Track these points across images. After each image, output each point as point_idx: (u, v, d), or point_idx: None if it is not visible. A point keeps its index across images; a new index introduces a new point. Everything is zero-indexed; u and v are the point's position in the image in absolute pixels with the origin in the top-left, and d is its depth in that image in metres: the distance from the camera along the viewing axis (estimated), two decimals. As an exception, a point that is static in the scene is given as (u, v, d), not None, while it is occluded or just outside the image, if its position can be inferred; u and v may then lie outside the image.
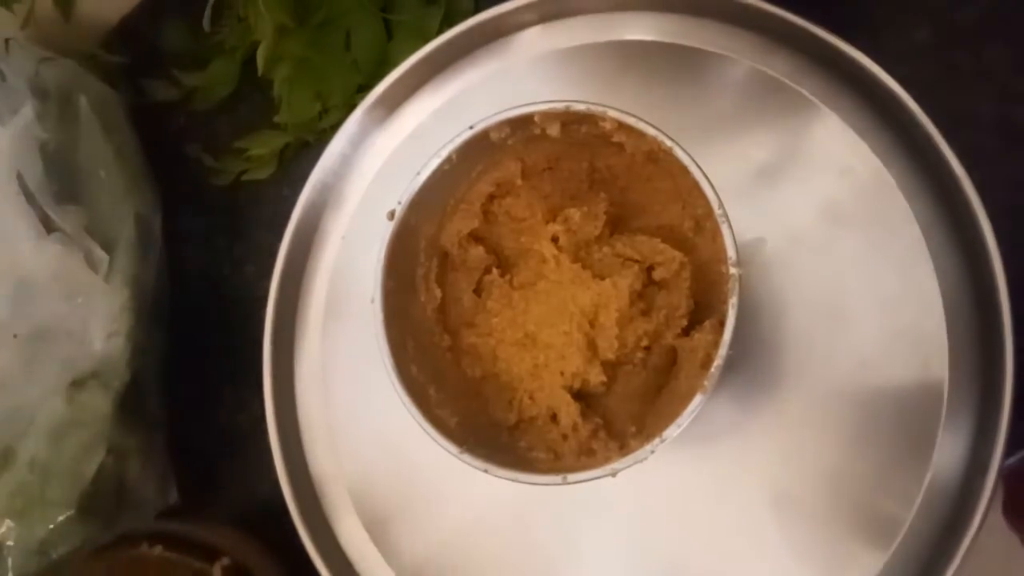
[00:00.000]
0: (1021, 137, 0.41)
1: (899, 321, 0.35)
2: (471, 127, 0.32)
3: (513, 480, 0.30)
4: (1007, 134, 0.41)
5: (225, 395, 0.48)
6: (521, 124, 0.32)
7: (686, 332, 0.33)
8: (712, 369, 0.28)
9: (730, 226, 0.29)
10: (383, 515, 0.37)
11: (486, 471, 0.30)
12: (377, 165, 0.41)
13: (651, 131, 0.30)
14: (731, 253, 0.29)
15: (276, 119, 0.48)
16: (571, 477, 0.29)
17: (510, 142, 0.33)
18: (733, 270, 0.28)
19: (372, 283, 0.32)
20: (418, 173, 0.33)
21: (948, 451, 0.33)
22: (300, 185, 0.40)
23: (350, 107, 0.41)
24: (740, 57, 0.38)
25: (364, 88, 0.45)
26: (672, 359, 0.34)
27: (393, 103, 0.41)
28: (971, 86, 0.42)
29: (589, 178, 0.35)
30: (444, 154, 0.32)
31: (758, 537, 0.33)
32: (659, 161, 0.33)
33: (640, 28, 0.40)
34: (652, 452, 0.28)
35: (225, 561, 0.41)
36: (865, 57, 0.36)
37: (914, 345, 0.34)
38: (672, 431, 0.28)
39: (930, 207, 0.35)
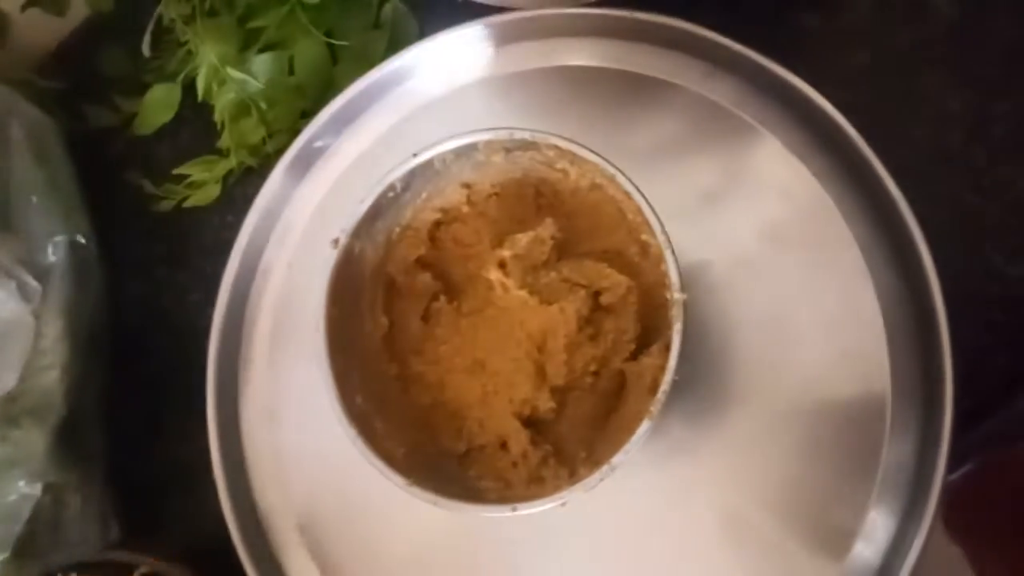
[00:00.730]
0: (953, 158, 0.42)
1: (842, 340, 0.35)
2: (415, 155, 0.31)
3: (462, 511, 0.29)
4: (941, 155, 0.43)
5: (168, 427, 0.46)
6: (465, 152, 0.32)
7: (634, 356, 0.33)
8: (658, 394, 0.28)
9: (673, 252, 0.29)
10: (332, 548, 0.36)
11: (435, 503, 0.29)
12: (322, 191, 0.41)
13: (593, 158, 0.30)
14: (674, 279, 0.29)
15: (219, 144, 0.47)
16: (521, 507, 0.29)
17: (455, 169, 0.33)
18: (677, 295, 0.28)
19: (315, 310, 0.32)
20: (362, 201, 0.32)
21: (894, 465, 0.33)
22: (244, 211, 0.39)
23: (294, 132, 0.41)
24: (682, 83, 0.38)
25: (308, 113, 0.45)
26: (621, 383, 0.34)
27: (338, 128, 0.41)
28: (907, 110, 0.44)
29: (535, 203, 0.35)
30: (387, 182, 0.32)
31: (710, 561, 0.33)
32: (603, 187, 0.33)
33: (584, 54, 0.40)
34: (600, 480, 0.28)
35: (144, 569, 0.39)
36: (803, 83, 0.37)
37: (857, 363, 0.35)
38: (620, 458, 0.28)
39: (869, 228, 0.36)
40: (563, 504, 0.28)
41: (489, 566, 0.35)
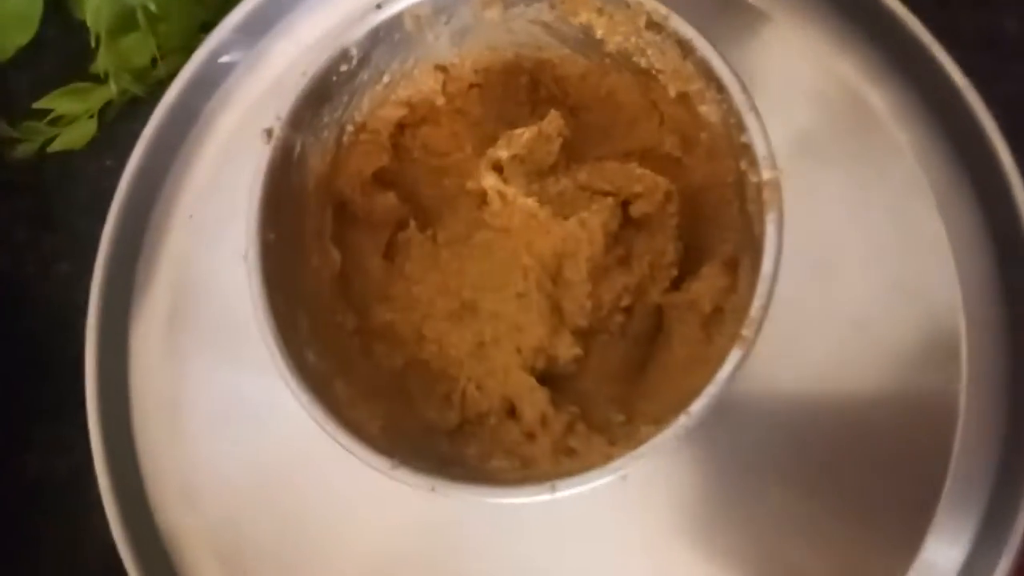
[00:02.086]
0: (1012, 52, 0.39)
1: (901, 272, 0.31)
2: (378, 6, 0.25)
3: (476, 498, 0.22)
4: (995, 49, 0.39)
5: (37, 435, 0.40)
6: (450, 5, 0.27)
7: (675, 285, 0.28)
8: (752, 312, 0.22)
9: (758, 114, 0.23)
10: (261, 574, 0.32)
11: (433, 490, 0.22)
12: (231, 121, 0.36)
13: None
14: (761, 149, 0.23)
15: (93, 69, 0.40)
16: (561, 485, 0.21)
17: (429, 37, 0.28)
18: (768, 173, 0.23)
19: (244, 233, 0.26)
20: (304, 73, 0.26)
21: (964, 471, 0.29)
22: (128, 153, 0.35)
23: (191, 50, 0.36)
24: None
25: (210, 27, 0.37)
26: (657, 323, 0.29)
27: (250, 39, 0.36)
28: None
29: (530, 97, 0.30)
30: (342, 46, 0.26)
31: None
32: (629, 60, 0.27)
33: None
34: (675, 440, 0.21)
35: None
36: None
37: (918, 300, 0.31)
38: (701, 404, 0.21)
39: (926, 133, 0.32)
40: (623, 478, 0.21)
41: None
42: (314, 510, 0.31)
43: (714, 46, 0.24)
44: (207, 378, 0.33)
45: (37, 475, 0.40)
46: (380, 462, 0.23)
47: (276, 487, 0.32)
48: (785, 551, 0.29)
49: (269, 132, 0.26)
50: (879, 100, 0.32)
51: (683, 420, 0.21)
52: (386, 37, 0.27)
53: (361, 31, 0.26)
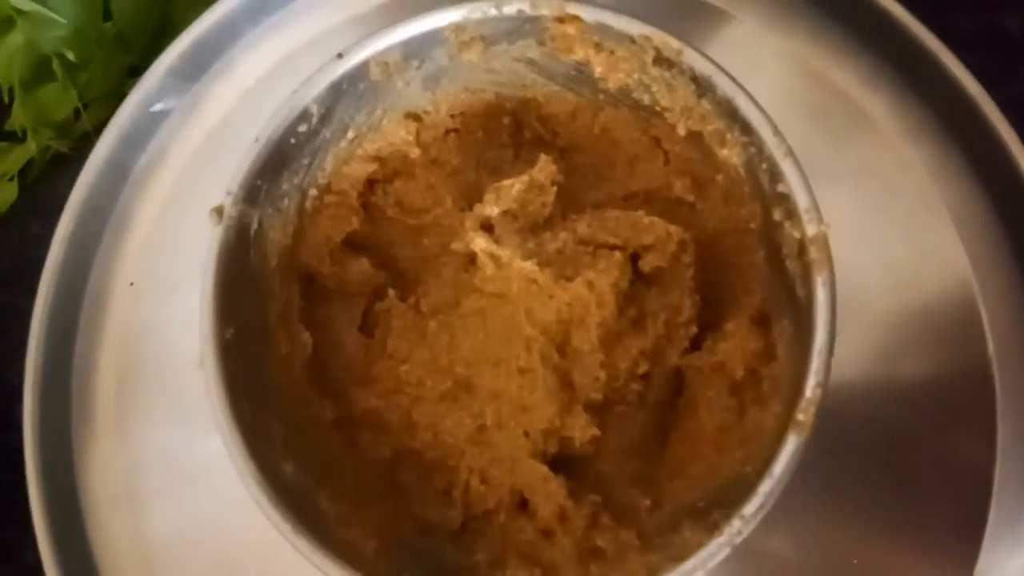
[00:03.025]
0: (1016, 53, 0.38)
1: (920, 296, 0.30)
2: (340, 56, 0.23)
3: None
4: (998, 50, 0.37)
5: None
6: (421, 48, 0.24)
7: (695, 345, 0.26)
8: (808, 392, 0.19)
9: (795, 160, 0.20)
10: None
11: None
12: (169, 177, 0.34)
13: (644, 29, 0.21)
14: (803, 201, 0.20)
15: (8, 125, 0.39)
16: None
17: (399, 84, 0.25)
18: (814, 228, 0.20)
19: (198, 334, 0.23)
20: (256, 140, 0.24)
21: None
22: (55, 218, 0.33)
23: (119, 98, 0.34)
24: None
25: (138, 71, 0.36)
26: (676, 389, 0.26)
27: (183, 84, 0.34)
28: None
29: (514, 140, 0.28)
30: (300, 105, 0.23)
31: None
32: (628, 95, 0.24)
33: None
34: (732, 545, 0.18)
35: None
36: None
37: (944, 324, 0.30)
38: (756, 504, 0.18)
39: (935, 145, 0.31)
40: None
41: None
42: None
43: (739, 84, 0.21)
44: (166, 457, 0.31)
45: None
46: None
47: None
48: None
49: (219, 211, 0.22)
50: (880, 110, 0.31)
51: (736, 525, 0.18)
52: (350, 89, 0.24)
53: (321, 85, 0.23)
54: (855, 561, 0.28)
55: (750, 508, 0.18)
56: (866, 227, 0.31)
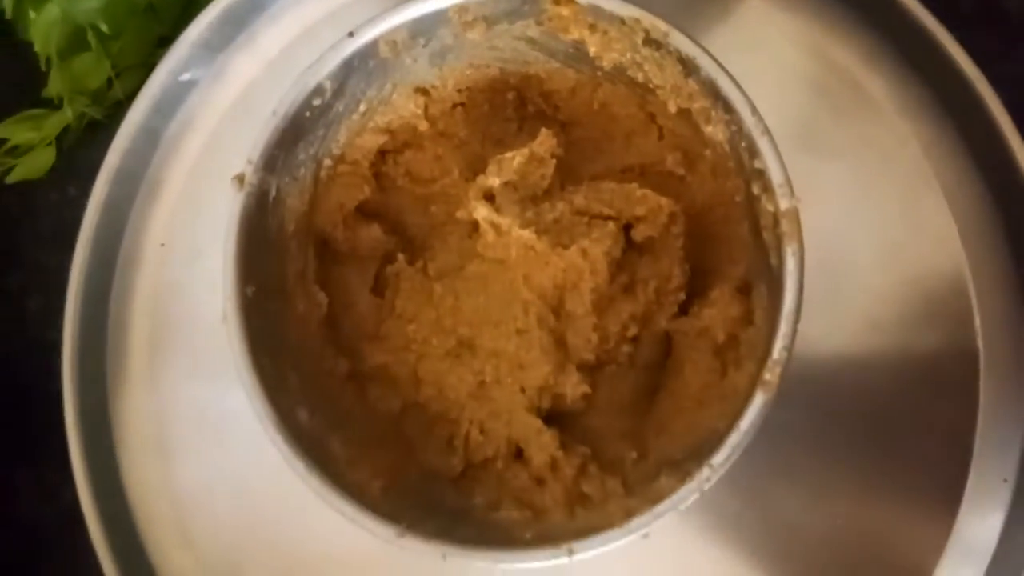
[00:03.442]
0: (1015, 33, 0.38)
1: (911, 267, 0.31)
2: (351, 34, 0.24)
3: (489, 564, 0.20)
4: (996, 28, 0.37)
5: (20, 481, 0.38)
6: (427, 27, 0.25)
7: (683, 310, 0.27)
8: (775, 354, 0.20)
9: (772, 138, 0.21)
10: None
11: (444, 558, 0.21)
12: (197, 142, 0.35)
13: (634, 12, 0.22)
14: (777, 177, 0.21)
15: (45, 93, 0.39)
16: (579, 547, 0.20)
17: (407, 61, 0.26)
18: (786, 202, 0.21)
19: (222, 292, 0.25)
20: (274, 113, 0.25)
21: (993, 443, 0.29)
22: (90, 180, 0.34)
23: (149, 67, 0.35)
24: None
25: (167, 41, 0.37)
26: (665, 351, 0.27)
27: (210, 55, 0.35)
28: None
29: (517, 114, 0.29)
30: (313, 82, 0.25)
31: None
32: (624, 73, 0.25)
33: None
34: (699, 492, 0.19)
35: None
36: None
37: (934, 294, 0.30)
38: (724, 455, 0.20)
39: (931, 122, 0.32)
40: (645, 536, 0.19)
41: None
42: (313, 549, 0.30)
43: (721, 65, 0.22)
44: (197, 412, 0.32)
45: (25, 523, 0.39)
46: (386, 531, 0.22)
47: (273, 525, 0.31)
48: (823, 544, 0.28)
49: (240, 179, 0.24)
50: (880, 88, 0.32)
51: (706, 473, 0.20)
52: (360, 65, 0.25)
53: (333, 62, 0.24)
54: (840, 522, 0.29)
55: (718, 458, 0.20)
56: (862, 199, 0.31)
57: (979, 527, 0.29)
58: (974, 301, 0.30)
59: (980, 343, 0.30)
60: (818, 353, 0.30)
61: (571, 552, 0.20)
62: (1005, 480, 0.30)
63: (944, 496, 0.29)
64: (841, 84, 0.32)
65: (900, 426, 0.30)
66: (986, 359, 0.30)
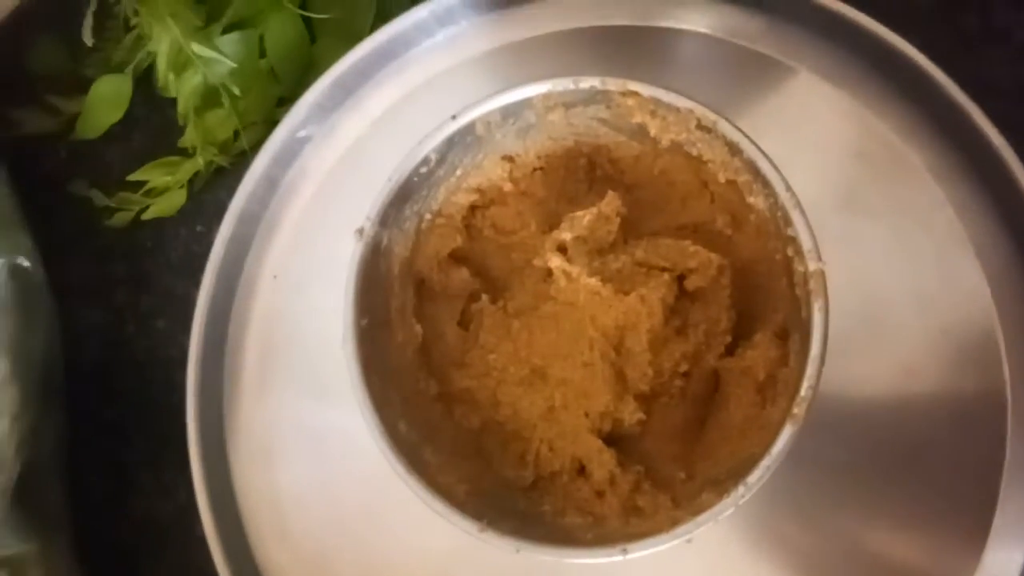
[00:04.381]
0: None
1: (945, 319, 0.32)
2: (453, 117, 0.27)
3: (556, 560, 0.23)
4: None
5: (142, 480, 0.41)
6: (515, 111, 0.28)
7: (729, 351, 0.29)
8: (803, 392, 0.23)
9: (803, 211, 0.24)
10: None
11: (518, 552, 0.24)
12: (310, 189, 0.37)
13: (686, 103, 0.25)
14: (807, 243, 0.24)
15: (181, 143, 0.42)
16: (632, 548, 0.23)
17: (498, 136, 0.29)
18: (814, 264, 0.23)
19: (342, 323, 0.28)
20: (389, 179, 0.28)
21: (1020, 480, 0.29)
22: (217, 219, 0.36)
23: (270, 124, 0.38)
24: (714, 32, 0.34)
25: (285, 101, 0.41)
26: (713, 386, 0.30)
27: (323, 115, 0.37)
28: (985, 50, 0.39)
29: (588, 177, 0.31)
30: (422, 153, 0.28)
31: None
32: (683, 147, 0.28)
33: (601, 12, 0.35)
34: (735, 506, 0.22)
35: None
36: (878, 25, 0.32)
37: (963, 344, 0.31)
38: (757, 475, 0.23)
39: (964, 187, 0.33)
40: (689, 541, 0.22)
41: None
42: (397, 549, 0.32)
43: (760, 148, 0.25)
44: (298, 424, 0.34)
45: (144, 519, 0.41)
46: (470, 526, 0.25)
47: (362, 526, 0.33)
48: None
49: (360, 231, 0.27)
50: (918, 157, 0.33)
51: (741, 490, 0.23)
52: (460, 141, 0.28)
53: (439, 139, 0.27)
54: (872, 547, 0.30)
55: (752, 478, 0.23)
56: (899, 255, 0.32)
57: (1005, 560, 0.30)
58: (1003, 349, 0.31)
59: (1008, 388, 0.30)
60: (858, 393, 0.31)
61: (625, 552, 0.23)
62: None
63: (972, 529, 0.29)
64: (881, 151, 0.33)
65: (932, 463, 0.30)
66: (1013, 403, 0.30)
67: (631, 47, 0.35)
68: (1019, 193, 0.31)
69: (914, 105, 0.33)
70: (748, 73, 0.34)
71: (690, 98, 0.26)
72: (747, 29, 0.33)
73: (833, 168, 0.33)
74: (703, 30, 0.34)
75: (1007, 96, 0.37)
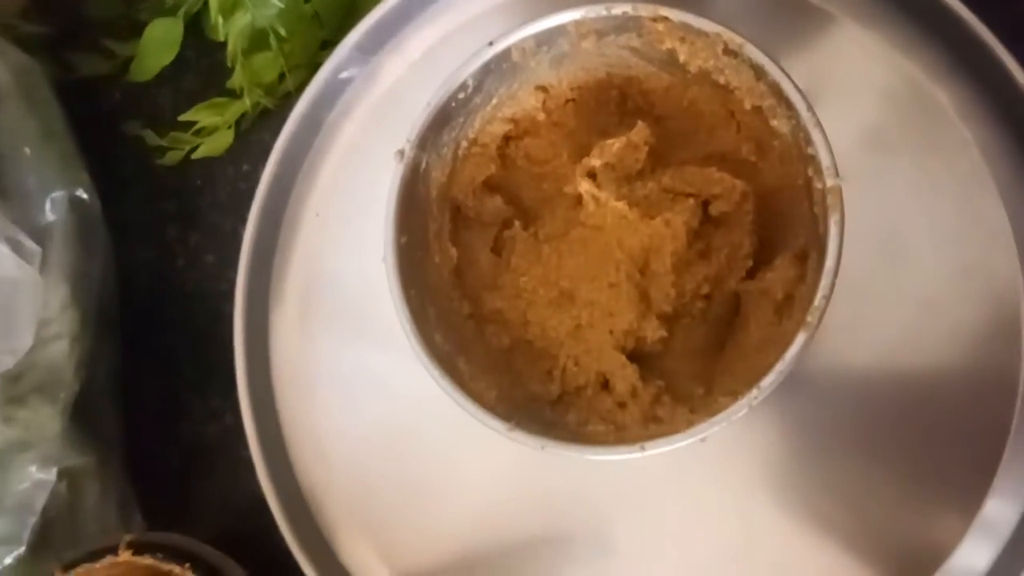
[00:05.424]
0: None
1: (965, 254, 0.32)
2: (491, 43, 0.28)
3: (579, 456, 0.25)
4: None
5: (190, 405, 0.42)
6: (549, 38, 0.29)
7: (750, 274, 0.30)
8: (816, 302, 0.24)
9: (822, 130, 0.25)
10: (386, 522, 0.34)
11: (543, 448, 0.25)
12: (351, 129, 0.38)
13: (714, 27, 0.26)
14: (826, 161, 0.25)
15: (229, 85, 0.43)
16: (650, 445, 0.24)
17: (532, 64, 0.30)
18: (832, 181, 0.24)
19: (383, 240, 0.29)
20: (428, 103, 0.29)
21: None
22: (262, 159, 0.37)
23: (314, 67, 0.38)
24: None
25: (328, 44, 0.41)
26: (734, 308, 0.31)
27: (364, 57, 0.38)
28: None
29: (619, 109, 0.32)
30: (460, 79, 0.29)
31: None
32: (712, 75, 0.29)
33: None
34: (747, 408, 0.24)
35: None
36: None
37: (983, 279, 0.32)
38: (771, 379, 0.24)
39: (990, 128, 0.33)
40: (703, 440, 0.24)
41: (577, 534, 0.31)
42: (432, 464, 0.33)
43: (784, 70, 0.26)
44: (336, 354, 0.35)
45: (192, 440, 0.42)
46: (499, 425, 0.26)
47: (397, 446, 0.34)
48: (853, 508, 0.30)
49: (401, 153, 0.28)
50: (945, 96, 0.33)
51: (755, 392, 0.24)
52: (496, 68, 0.29)
53: (476, 65, 0.28)
54: (875, 488, 0.30)
55: (766, 382, 0.24)
56: (923, 192, 0.32)
57: (1002, 513, 0.30)
58: (1022, 289, 0.31)
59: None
60: (877, 325, 0.32)
61: (643, 448, 0.25)
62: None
63: (971, 485, 0.30)
64: (908, 90, 0.33)
65: (946, 397, 0.31)
66: None
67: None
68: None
69: (942, 45, 0.33)
70: (781, 14, 0.34)
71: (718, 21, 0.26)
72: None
73: (860, 106, 0.34)
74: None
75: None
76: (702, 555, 0.31)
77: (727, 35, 0.26)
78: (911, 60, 0.33)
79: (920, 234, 0.32)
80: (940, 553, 0.29)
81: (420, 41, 0.37)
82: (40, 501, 0.35)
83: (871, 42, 0.33)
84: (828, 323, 0.31)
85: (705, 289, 0.30)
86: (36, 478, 0.35)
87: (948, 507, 0.30)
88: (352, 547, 0.34)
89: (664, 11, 0.27)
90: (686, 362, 0.30)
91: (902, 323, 0.32)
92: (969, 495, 0.30)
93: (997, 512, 0.30)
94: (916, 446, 0.31)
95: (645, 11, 0.27)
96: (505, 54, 0.29)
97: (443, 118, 0.29)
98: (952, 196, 0.32)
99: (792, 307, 0.27)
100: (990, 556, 0.30)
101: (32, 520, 0.34)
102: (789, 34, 0.34)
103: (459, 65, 0.29)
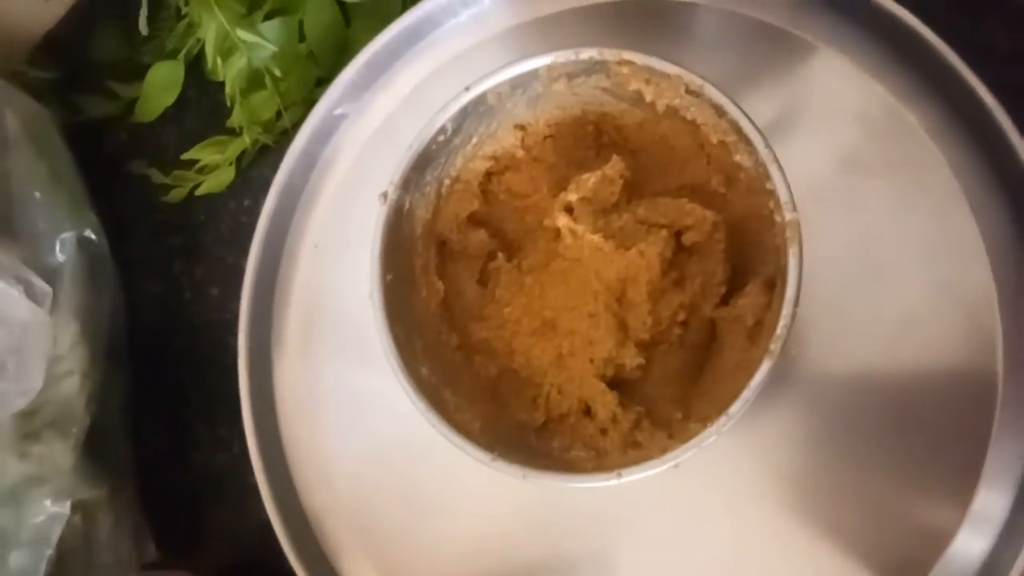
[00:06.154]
0: None
1: (940, 270, 0.33)
2: (467, 88, 0.28)
3: (556, 485, 0.26)
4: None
5: (199, 434, 0.43)
6: (523, 82, 0.29)
7: (724, 301, 0.31)
8: (778, 330, 0.25)
9: (780, 167, 0.26)
10: (389, 544, 0.34)
11: (524, 478, 0.26)
12: (346, 163, 0.39)
13: (675, 70, 0.27)
14: (784, 196, 0.26)
15: (229, 123, 0.44)
16: (626, 473, 0.25)
17: (508, 106, 0.31)
18: (790, 215, 0.25)
19: (368, 278, 0.29)
20: (410, 147, 0.30)
21: (1010, 425, 0.30)
22: (262, 194, 0.38)
23: (310, 103, 0.39)
24: (727, 5, 0.35)
25: (323, 81, 0.42)
26: (710, 334, 0.31)
27: (357, 94, 0.39)
28: (981, 14, 0.39)
29: (596, 142, 0.33)
30: (439, 123, 0.30)
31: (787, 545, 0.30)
32: (679, 111, 0.29)
33: None
34: (717, 434, 0.25)
35: None
36: None
37: (958, 294, 0.32)
38: (738, 407, 0.25)
39: (960, 147, 0.33)
40: (676, 466, 0.25)
41: (572, 552, 0.32)
42: (433, 487, 0.34)
43: (742, 110, 0.27)
44: (337, 380, 0.36)
45: (202, 468, 0.43)
46: (482, 455, 0.27)
47: (399, 469, 0.34)
48: (848, 516, 0.30)
49: (384, 195, 0.29)
50: (916, 118, 0.34)
51: (723, 420, 0.25)
52: (473, 111, 0.30)
53: (453, 109, 0.29)
54: (866, 492, 0.31)
55: (734, 409, 0.25)
56: (898, 211, 0.33)
57: (993, 502, 0.31)
58: (997, 302, 0.31)
59: (1000, 338, 0.31)
60: (857, 343, 0.32)
61: (620, 475, 0.25)
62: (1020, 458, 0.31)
63: (962, 474, 0.30)
64: (881, 113, 0.34)
65: (926, 409, 0.31)
66: (1006, 352, 0.31)
67: (648, 20, 0.37)
68: (1012, 152, 0.32)
69: (913, 70, 0.34)
70: (759, 42, 0.35)
71: (680, 65, 0.27)
72: (780, 12, 0.35)
73: (837, 129, 0.35)
74: (711, 3, 0.35)
75: (1001, 59, 0.38)
76: (700, 570, 0.31)
77: (688, 77, 0.27)
78: (884, 84, 0.34)
79: (897, 251, 0.33)
80: (936, 547, 0.30)
81: (409, 76, 0.38)
82: (55, 534, 0.36)
83: (846, 68, 0.34)
84: (811, 338, 0.33)
85: (681, 316, 0.30)
86: (51, 511, 0.36)
87: (939, 504, 0.31)
88: (356, 569, 0.35)
89: (628, 55, 0.27)
90: (665, 387, 0.31)
91: (882, 336, 0.32)
92: (958, 493, 0.30)
93: (988, 504, 0.31)
94: (902, 451, 0.31)
95: (610, 55, 0.28)
96: (481, 98, 0.30)
97: (425, 160, 0.30)
98: (926, 213, 0.33)
99: (761, 333, 0.28)
100: (985, 545, 0.31)
101: (48, 553, 0.35)
102: (769, 61, 0.35)
103: (437, 110, 0.30)
